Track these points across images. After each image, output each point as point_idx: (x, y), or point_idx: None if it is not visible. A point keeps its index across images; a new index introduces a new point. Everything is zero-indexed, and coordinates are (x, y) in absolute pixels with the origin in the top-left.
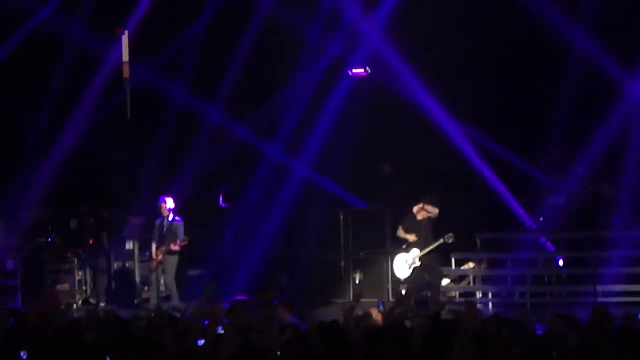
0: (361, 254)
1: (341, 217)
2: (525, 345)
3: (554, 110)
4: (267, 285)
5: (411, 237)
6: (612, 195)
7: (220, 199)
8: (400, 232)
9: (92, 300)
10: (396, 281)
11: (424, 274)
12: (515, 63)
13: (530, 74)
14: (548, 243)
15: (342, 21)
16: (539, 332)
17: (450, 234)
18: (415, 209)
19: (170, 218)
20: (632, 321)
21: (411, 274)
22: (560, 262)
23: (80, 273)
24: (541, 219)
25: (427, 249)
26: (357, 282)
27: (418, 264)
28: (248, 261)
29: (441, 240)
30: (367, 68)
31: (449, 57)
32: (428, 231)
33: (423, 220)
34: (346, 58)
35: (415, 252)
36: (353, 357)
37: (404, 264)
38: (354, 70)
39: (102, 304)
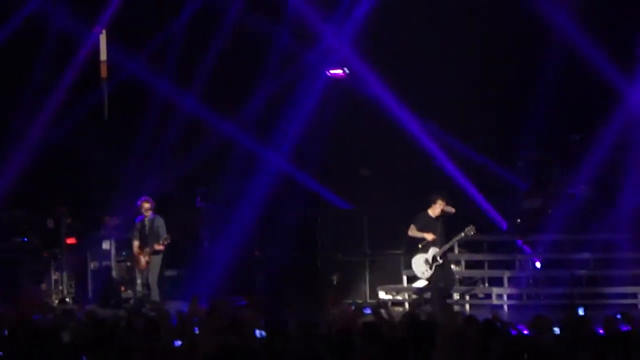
0: (339, 255)
1: (319, 218)
2: (500, 347)
3: (532, 112)
4: (252, 290)
5: (429, 237)
6: (590, 199)
7: (198, 199)
8: (414, 232)
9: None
10: (373, 283)
11: (449, 269)
12: (491, 65)
13: (507, 75)
14: (525, 246)
15: (315, 26)
16: (513, 332)
17: (471, 226)
18: (438, 211)
19: (151, 217)
20: (614, 324)
21: (434, 272)
22: (538, 264)
23: (57, 273)
24: (519, 221)
25: (449, 245)
26: (334, 283)
27: (440, 262)
28: (225, 261)
29: (462, 234)
30: (345, 69)
31: (423, 59)
32: (443, 229)
33: (438, 218)
34: (325, 58)
35: (435, 251)
36: (330, 356)
37: (425, 263)
38: (332, 71)
39: (79, 304)
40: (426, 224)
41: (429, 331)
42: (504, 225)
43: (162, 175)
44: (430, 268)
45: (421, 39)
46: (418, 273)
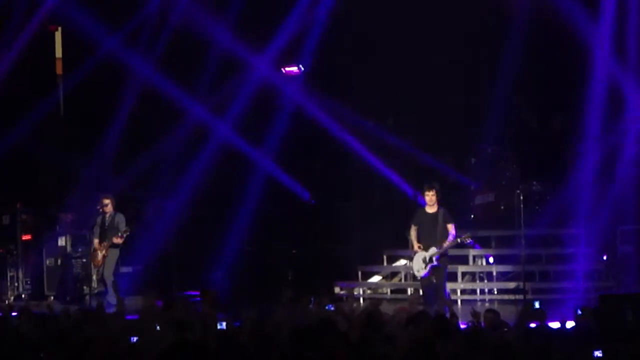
0: (294, 251)
1: (274, 213)
2: (449, 341)
3: (489, 108)
4: (207, 284)
5: (415, 247)
6: (542, 194)
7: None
8: (411, 235)
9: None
10: (329, 278)
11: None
12: (449, 61)
13: (464, 70)
14: (476, 245)
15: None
16: (462, 327)
17: (468, 234)
18: (433, 203)
19: (112, 213)
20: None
21: (429, 273)
22: (491, 259)
23: (12, 270)
24: (472, 216)
25: (443, 249)
26: (289, 279)
27: (435, 263)
28: (181, 258)
29: (458, 240)
30: (300, 66)
31: (377, 55)
32: (443, 226)
33: (437, 214)
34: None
35: (433, 251)
36: (285, 352)
37: (422, 262)
38: (287, 68)
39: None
40: (422, 222)
41: (385, 327)
42: None
43: (119, 172)
44: (425, 267)
45: (374, 32)
46: (415, 271)
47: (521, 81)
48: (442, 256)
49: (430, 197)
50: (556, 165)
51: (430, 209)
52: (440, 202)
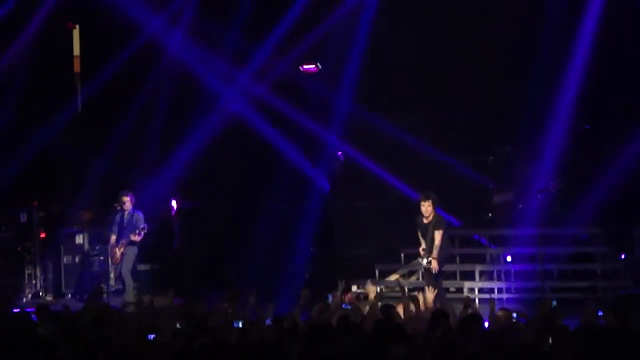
0: (311, 249)
1: (293, 212)
2: (473, 341)
3: (506, 105)
4: (227, 284)
5: (420, 250)
6: (560, 193)
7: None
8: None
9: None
10: (346, 277)
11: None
12: (468, 65)
13: (481, 69)
14: (492, 245)
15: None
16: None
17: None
18: (428, 214)
19: (131, 211)
20: (593, 318)
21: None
22: (509, 258)
23: (30, 267)
24: (490, 215)
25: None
26: (306, 278)
27: (424, 270)
28: (198, 256)
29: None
30: (318, 64)
31: (397, 56)
32: (431, 234)
33: (430, 223)
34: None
35: (425, 258)
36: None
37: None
38: (305, 66)
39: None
40: (421, 231)
41: (396, 326)
42: (456, 222)
43: (138, 169)
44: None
45: (390, 31)
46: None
47: (542, 80)
48: (428, 262)
49: (426, 207)
50: (574, 165)
51: (426, 219)
52: (435, 209)
